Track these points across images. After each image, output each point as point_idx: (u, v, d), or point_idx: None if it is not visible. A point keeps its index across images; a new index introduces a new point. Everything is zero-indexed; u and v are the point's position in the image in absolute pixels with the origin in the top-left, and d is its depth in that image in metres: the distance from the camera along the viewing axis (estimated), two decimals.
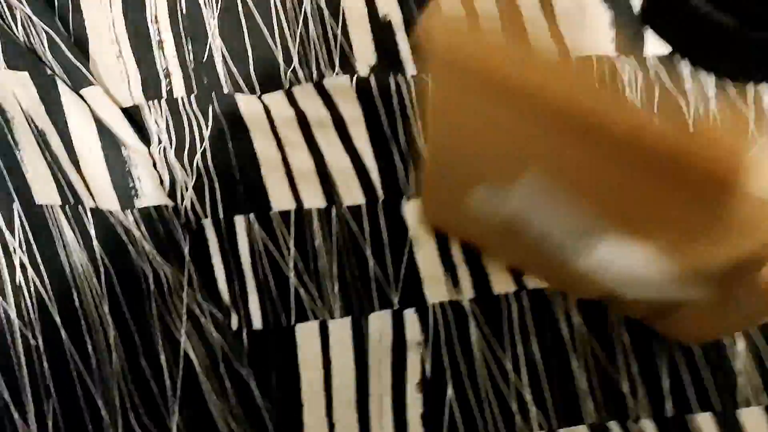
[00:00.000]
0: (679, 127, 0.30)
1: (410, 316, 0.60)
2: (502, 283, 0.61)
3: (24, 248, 0.50)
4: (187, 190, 0.63)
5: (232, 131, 0.66)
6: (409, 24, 0.70)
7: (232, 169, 0.64)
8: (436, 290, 0.61)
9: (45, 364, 0.48)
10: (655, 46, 0.71)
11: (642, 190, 0.35)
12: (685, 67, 0.70)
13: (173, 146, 0.65)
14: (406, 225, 0.64)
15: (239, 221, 0.62)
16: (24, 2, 0.65)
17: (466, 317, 0.60)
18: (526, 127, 0.37)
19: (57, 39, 0.65)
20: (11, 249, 0.50)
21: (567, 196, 0.42)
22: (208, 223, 0.62)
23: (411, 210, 0.64)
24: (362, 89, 0.67)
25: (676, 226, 0.38)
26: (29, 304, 0.49)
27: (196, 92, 0.67)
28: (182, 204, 0.63)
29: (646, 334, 0.59)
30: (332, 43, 0.70)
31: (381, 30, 0.71)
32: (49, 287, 0.50)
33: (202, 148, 0.65)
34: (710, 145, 0.29)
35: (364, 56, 0.70)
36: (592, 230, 0.45)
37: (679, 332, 0.57)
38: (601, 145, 0.33)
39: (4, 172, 0.53)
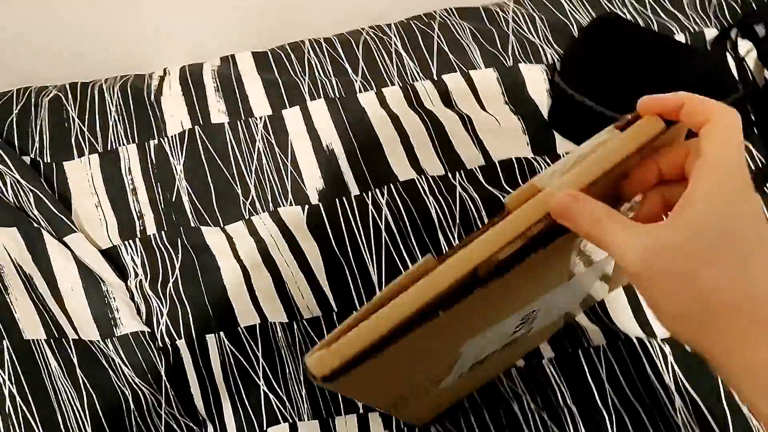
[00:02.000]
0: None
1: (375, 419, 0.65)
2: None
3: (13, 380, 0.56)
4: (162, 316, 0.70)
5: (200, 260, 0.74)
6: (349, 151, 0.81)
7: (202, 294, 0.72)
8: None
9: None
10: (562, 143, 0.82)
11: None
12: None
13: (148, 278, 0.73)
14: None
15: (210, 339, 0.69)
16: (13, 169, 0.75)
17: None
18: (432, 340, 0.40)
19: (42, 196, 0.74)
20: (0, 381, 0.56)
21: (498, 320, 0.46)
22: (182, 344, 0.69)
23: None
24: (313, 215, 0.76)
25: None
26: (17, 428, 0.54)
27: (166, 229, 0.76)
28: (158, 329, 0.69)
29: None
30: (284, 173, 0.80)
31: (325, 158, 0.81)
32: (36, 413, 0.56)
33: (174, 278, 0.73)
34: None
35: (313, 182, 0.79)
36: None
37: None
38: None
39: None
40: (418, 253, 0.74)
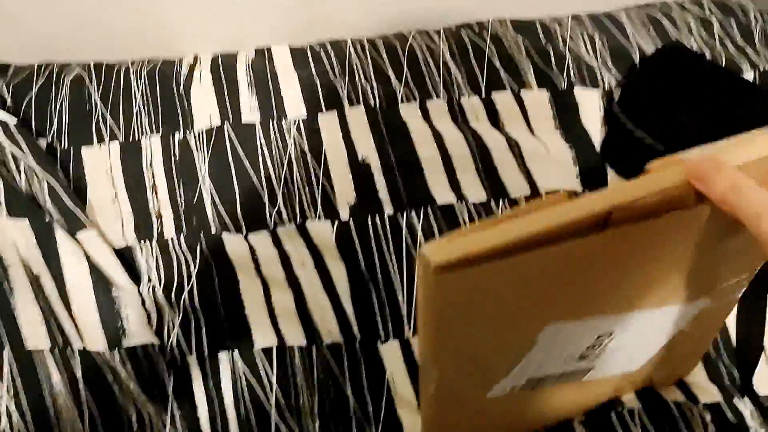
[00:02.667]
0: None
1: None
2: None
3: (11, 393, 0.52)
4: (173, 327, 0.66)
5: (219, 270, 0.69)
6: (386, 166, 0.76)
7: (218, 307, 0.67)
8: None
9: None
10: (614, 179, 0.76)
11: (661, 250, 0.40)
12: None
13: (162, 285, 0.68)
14: (384, 366, 0.66)
15: (223, 358, 0.64)
16: (28, 153, 0.70)
17: None
18: (545, 278, 0.39)
19: (56, 186, 0.69)
20: None
21: (590, 312, 0.44)
22: (193, 360, 0.64)
23: (387, 351, 0.66)
24: (342, 233, 0.71)
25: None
26: None
27: (185, 232, 0.71)
28: (168, 341, 0.65)
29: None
30: (315, 184, 0.75)
31: (360, 171, 0.76)
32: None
33: (190, 287, 0.68)
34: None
35: (345, 196, 0.74)
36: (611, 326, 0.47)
37: (674, 373, 0.59)
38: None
39: None
40: None
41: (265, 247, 0.71)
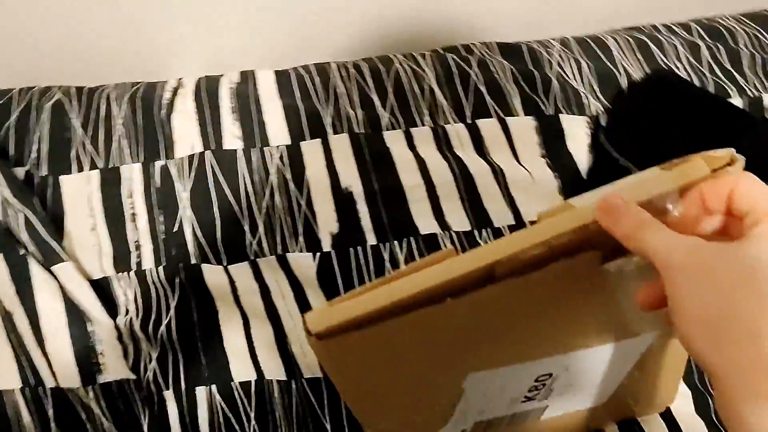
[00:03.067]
0: None
1: None
2: None
3: None
4: (150, 361, 0.64)
5: (198, 301, 0.68)
6: (369, 194, 0.75)
7: (196, 340, 0.66)
8: None
9: None
10: None
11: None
12: None
13: (139, 317, 0.67)
14: None
15: (200, 393, 0.63)
16: (4, 185, 0.69)
17: None
18: (441, 333, 0.39)
19: (32, 218, 0.68)
20: None
21: (508, 361, 0.43)
22: (169, 395, 0.63)
23: None
24: (323, 265, 0.70)
25: None
26: None
27: (164, 263, 0.70)
28: (145, 376, 0.64)
29: None
30: (296, 213, 0.74)
31: (343, 200, 0.75)
32: None
33: (168, 319, 0.67)
34: None
35: (327, 225, 0.73)
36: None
37: (654, 402, 0.59)
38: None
39: None
40: None
41: (245, 278, 0.70)
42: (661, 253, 0.33)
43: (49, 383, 0.58)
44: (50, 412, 0.56)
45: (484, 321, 0.39)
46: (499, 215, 0.74)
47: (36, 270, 0.65)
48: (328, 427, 0.63)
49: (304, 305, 0.68)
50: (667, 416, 0.62)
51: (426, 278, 0.35)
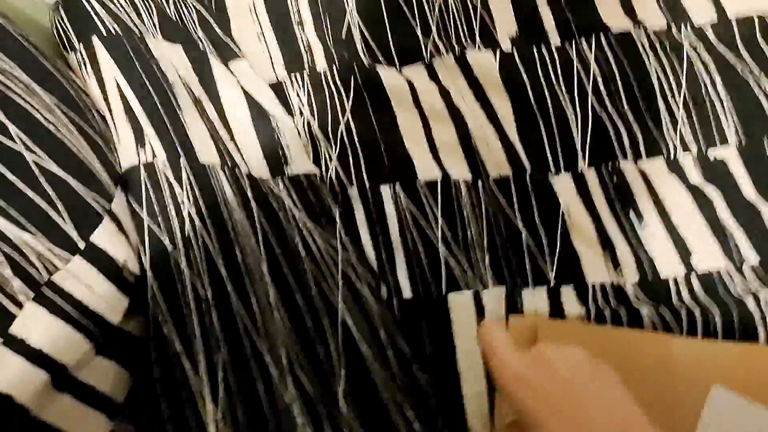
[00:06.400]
0: None
1: (567, 293, 0.57)
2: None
3: (191, 201, 0.50)
4: (331, 160, 0.62)
5: (374, 103, 0.65)
6: None
7: (376, 140, 0.63)
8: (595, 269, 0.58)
9: (214, 316, 0.47)
10: None
11: None
12: None
13: (316, 119, 0.64)
14: (557, 198, 0.61)
15: (385, 191, 0.61)
16: None
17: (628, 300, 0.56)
18: None
19: (207, 16, 0.66)
20: (180, 201, 0.49)
21: None
22: (354, 192, 0.61)
23: (559, 183, 0.61)
24: (505, 63, 0.66)
25: None
26: (198, 255, 0.48)
27: (337, 65, 0.67)
28: (327, 173, 0.62)
29: None
30: (472, 14, 0.69)
31: (521, 2, 0.69)
32: (215, 241, 0.49)
33: (345, 120, 0.64)
34: None
35: (505, 27, 0.68)
36: None
37: None
38: None
39: (171, 131, 0.53)
40: (631, 116, 0.63)
41: (422, 80, 0.66)
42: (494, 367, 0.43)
43: (244, 169, 0.57)
44: (249, 193, 0.55)
45: None
46: (698, 11, 0.67)
47: (215, 63, 0.62)
48: (520, 225, 0.60)
49: (485, 104, 0.64)
50: None
51: None
